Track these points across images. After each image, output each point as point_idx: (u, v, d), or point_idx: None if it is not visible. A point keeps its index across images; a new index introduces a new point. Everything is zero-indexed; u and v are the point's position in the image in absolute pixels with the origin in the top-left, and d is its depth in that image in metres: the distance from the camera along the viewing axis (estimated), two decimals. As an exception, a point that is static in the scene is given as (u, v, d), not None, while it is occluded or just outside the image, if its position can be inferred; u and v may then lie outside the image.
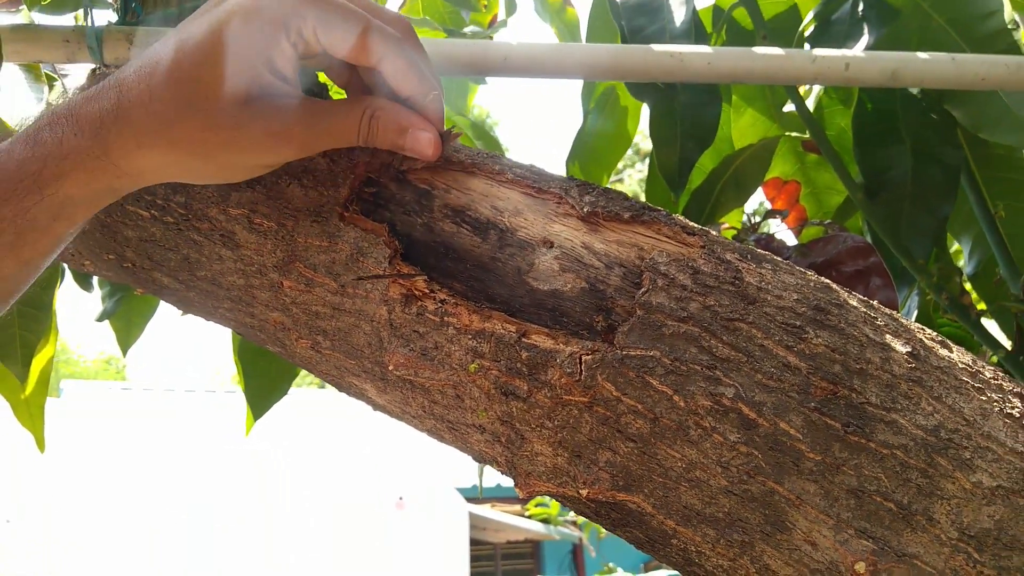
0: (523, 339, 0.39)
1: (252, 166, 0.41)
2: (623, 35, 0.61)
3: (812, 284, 0.40)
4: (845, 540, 0.36)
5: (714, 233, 0.42)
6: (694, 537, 0.38)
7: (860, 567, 0.36)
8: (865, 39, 0.69)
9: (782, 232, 0.83)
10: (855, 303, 0.40)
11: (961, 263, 0.90)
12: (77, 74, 0.78)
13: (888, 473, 0.36)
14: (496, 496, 6.25)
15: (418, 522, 5.03)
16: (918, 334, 0.40)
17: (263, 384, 0.85)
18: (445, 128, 0.42)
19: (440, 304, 0.41)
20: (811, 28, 0.73)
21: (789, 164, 0.87)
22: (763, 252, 0.41)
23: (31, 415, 0.91)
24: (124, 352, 1.04)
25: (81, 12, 0.63)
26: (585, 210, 0.41)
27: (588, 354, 0.37)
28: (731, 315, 0.37)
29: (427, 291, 0.41)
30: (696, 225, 0.42)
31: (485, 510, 5.77)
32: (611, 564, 4.69)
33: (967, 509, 0.36)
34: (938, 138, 0.75)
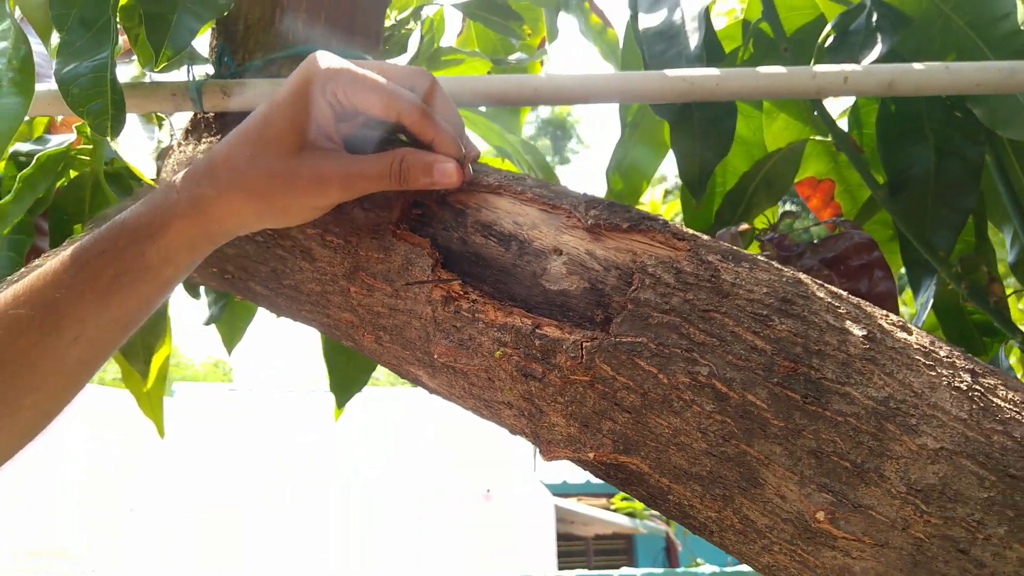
0: (537, 330, 0.47)
1: (306, 207, 0.52)
2: (644, 60, 0.68)
3: (784, 279, 0.47)
4: (808, 493, 0.43)
5: (705, 238, 0.49)
6: (685, 492, 0.46)
7: (821, 516, 0.42)
8: (879, 48, 0.73)
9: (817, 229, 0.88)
10: (822, 294, 0.46)
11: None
12: (178, 116, 0.92)
13: (843, 437, 0.42)
14: (583, 492, 6.32)
15: (506, 514, 5.16)
16: (879, 320, 0.46)
17: (344, 377, 0.97)
18: (463, 157, 0.51)
19: (472, 303, 0.50)
20: (831, 39, 0.78)
21: (823, 164, 0.91)
22: (746, 253, 0.48)
23: (152, 406, 1.05)
24: (229, 351, 1.18)
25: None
26: (589, 222, 0.49)
27: (588, 341, 0.45)
28: (707, 307, 0.45)
29: (462, 292, 0.50)
30: (689, 231, 0.49)
31: (571, 503, 5.85)
32: (699, 559, 4.70)
33: (914, 467, 0.42)
34: (961, 135, 0.79)
